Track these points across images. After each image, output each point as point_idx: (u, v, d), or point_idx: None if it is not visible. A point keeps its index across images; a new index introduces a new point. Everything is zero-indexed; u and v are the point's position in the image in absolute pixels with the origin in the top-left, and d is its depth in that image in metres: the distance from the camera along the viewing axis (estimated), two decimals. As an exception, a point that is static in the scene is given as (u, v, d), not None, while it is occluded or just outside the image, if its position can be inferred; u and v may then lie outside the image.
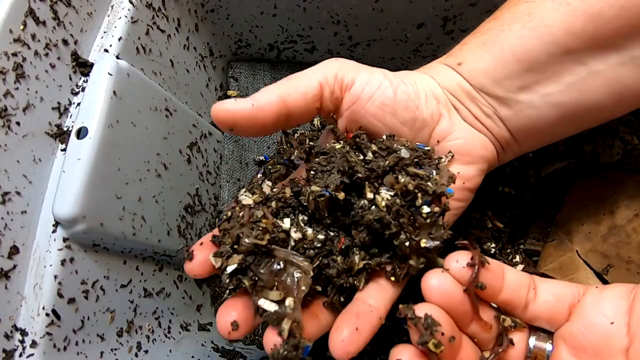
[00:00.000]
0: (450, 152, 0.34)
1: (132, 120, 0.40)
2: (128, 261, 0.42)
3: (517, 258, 0.46)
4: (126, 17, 0.42)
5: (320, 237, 0.30)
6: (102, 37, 0.42)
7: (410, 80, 0.34)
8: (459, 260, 0.29)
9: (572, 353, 0.28)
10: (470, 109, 0.35)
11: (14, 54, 0.34)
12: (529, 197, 0.48)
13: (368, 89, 0.33)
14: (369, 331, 0.28)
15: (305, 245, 0.30)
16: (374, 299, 0.30)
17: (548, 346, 0.29)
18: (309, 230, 0.30)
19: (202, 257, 0.29)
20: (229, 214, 0.29)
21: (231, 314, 0.28)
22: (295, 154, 0.54)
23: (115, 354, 0.40)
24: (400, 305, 0.28)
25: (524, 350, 0.30)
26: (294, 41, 0.58)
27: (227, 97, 0.59)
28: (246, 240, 0.27)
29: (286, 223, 0.30)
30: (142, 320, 0.44)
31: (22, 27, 0.35)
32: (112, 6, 0.43)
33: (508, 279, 0.30)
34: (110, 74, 0.38)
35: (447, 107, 0.34)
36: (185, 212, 0.49)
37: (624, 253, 0.39)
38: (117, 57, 0.40)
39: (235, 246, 0.28)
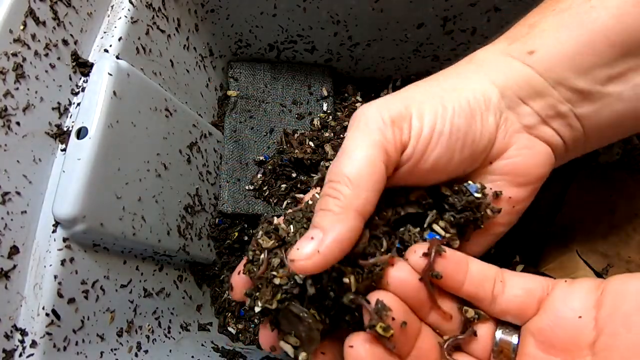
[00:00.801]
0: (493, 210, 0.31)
1: (132, 120, 0.40)
2: (128, 261, 0.42)
3: (517, 258, 0.46)
4: (126, 17, 0.42)
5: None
6: (102, 37, 0.42)
7: (462, 102, 0.29)
8: (416, 251, 0.28)
9: (540, 347, 0.27)
10: (537, 109, 0.29)
11: (14, 54, 0.34)
12: (528, 197, 0.48)
13: (422, 143, 0.28)
14: None
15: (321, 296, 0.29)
16: None
17: (514, 339, 0.29)
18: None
19: (239, 289, 0.31)
20: (251, 255, 0.30)
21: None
22: (296, 153, 0.54)
23: (115, 354, 0.40)
24: (352, 295, 0.28)
25: (490, 343, 0.29)
26: (294, 41, 0.58)
27: (227, 97, 0.59)
28: (259, 302, 0.28)
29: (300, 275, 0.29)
30: (142, 320, 0.44)
31: (22, 27, 0.35)
32: (112, 6, 0.43)
33: (472, 271, 0.29)
34: (110, 74, 0.38)
35: (505, 117, 0.29)
36: (185, 212, 0.49)
37: (624, 253, 0.39)
38: (117, 57, 0.40)
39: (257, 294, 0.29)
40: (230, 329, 0.54)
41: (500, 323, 0.30)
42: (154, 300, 0.46)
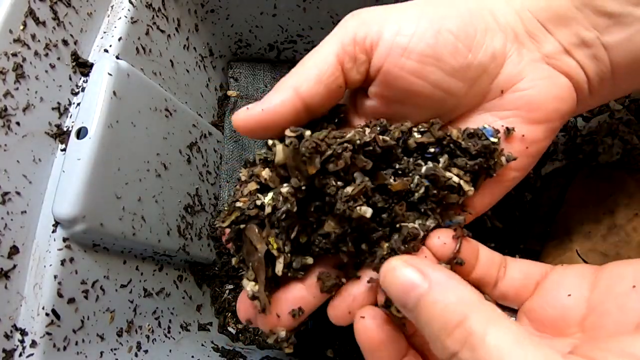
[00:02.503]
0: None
1: (132, 120, 0.40)
2: (128, 261, 0.42)
3: (517, 258, 0.46)
4: (126, 17, 0.42)
5: (283, 208, 0.27)
6: (102, 38, 0.42)
7: (461, 9, 0.26)
8: (440, 237, 0.27)
9: (532, 326, 0.27)
10: (558, 37, 0.26)
11: (14, 54, 0.34)
12: (528, 197, 0.48)
13: (400, 39, 0.25)
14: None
15: (277, 218, 0.27)
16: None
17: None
18: (287, 206, 0.27)
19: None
20: (232, 193, 0.29)
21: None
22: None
23: (115, 354, 0.40)
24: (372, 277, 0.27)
25: None
26: (294, 41, 0.58)
27: (227, 97, 0.59)
28: (220, 223, 0.27)
29: (267, 197, 0.28)
30: (142, 320, 0.44)
31: (22, 27, 0.35)
32: (112, 6, 0.43)
33: (481, 257, 0.29)
34: (110, 74, 0.38)
35: (519, 41, 0.26)
36: (185, 212, 0.49)
37: (624, 252, 0.39)
38: (117, 57, 0.40)
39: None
40: (230, 329, 0.54)
41: (499, 307, 0.30)
42: (154, 300, 0.46)
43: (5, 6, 0.34)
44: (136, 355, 0.42)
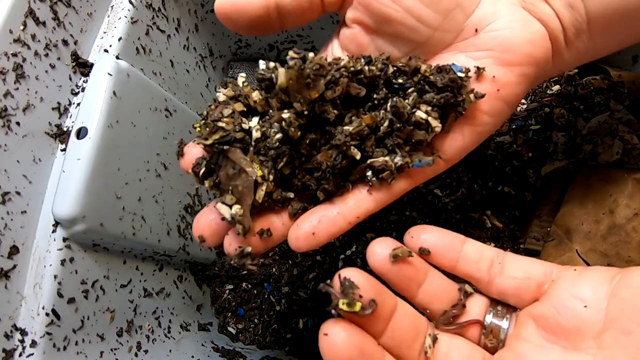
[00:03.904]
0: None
1: (132, 120, 0.40)
2: (128, 261, 0.42)
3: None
4: (126, 17, 0.42)
5: (278, 135, 0.27)
6: (102, 38, 0.42)
7: None
8: (413, 236, 0.28)
9: (541, 333, 0.27)
10: None
11: (14, 54, 0.34)
12: (528, 197, 0.48)
13: None
14: (325, 237, 0.27)
15: (268, 145, 0.27)
16: (344, 207, 0.28)
17: (504, 323, 0.28)
18: (274, 129, 0.27)
19: (190, 157, 0.28)
20: (205, 112, 0.28)
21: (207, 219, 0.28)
22: None
23: (115, 354, 0.40)
24: (322, 284, 0.26)
25: (479, 327, 0.29)
26: (293, 41, 0.58)
27: (227, 97, 0.59)
28: (202, 140, 0.26)
29: (253, 121, 0.27)
30: (142, 320, 0.44)
31: (22, 27, 0.35)
32: (112, 6, 0.43)
33: (468, 251, 0.28)
34: (110, 74, 0.38)
35: None
36: (185, 212, 0.49)
37: (624, 252, 0.39)
38: (117, 58, 0.40)
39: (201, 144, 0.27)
40: (230, 329, 0.54)
41: (493, 306, 0.29)
42: (154, 300, 0.46)
43: (5, 6, 0.34)
44: (136, 355, 0.42)
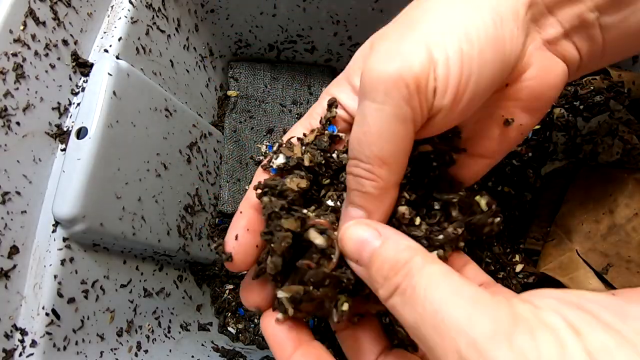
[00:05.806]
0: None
1: (132, 120, 0.40)
2: (128, 261, 0.42)
3: (517, 258, 0.46)
4: (126, 17, 0.42)
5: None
6: (102, 38, 0.42)
7: (488, 23, 0.24)
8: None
9: None
10: (562, 19, 0.26)
11: (14, 54, 0.34)
12: (528, 197, 0.48)
13: (450, 94, 0.24)
14: None
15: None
16: None
17: None
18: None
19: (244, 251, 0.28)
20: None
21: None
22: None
23: (115, 354, 0.40)
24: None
25: None
26: (293, 41, 0.58)
27: (227, 97, 0.59)
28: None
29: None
30: (142, 320, 0.44)
31: (22, 27, 0.35)
32: (112, 6, 0.43)
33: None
34: (110, 74, 0.38)
35: (524, 28, 0.25)
36: (185, 212, 0.49)
37: (624, 252, 0.39)
38: (117, 58, 0.40)
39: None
40: (230, 329, 0.54)
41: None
42: (154, 300, 0.46)
43: (5, 6, 0.34)
44: (136, 355, 0.42)
